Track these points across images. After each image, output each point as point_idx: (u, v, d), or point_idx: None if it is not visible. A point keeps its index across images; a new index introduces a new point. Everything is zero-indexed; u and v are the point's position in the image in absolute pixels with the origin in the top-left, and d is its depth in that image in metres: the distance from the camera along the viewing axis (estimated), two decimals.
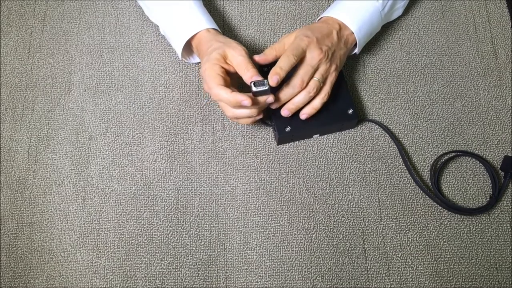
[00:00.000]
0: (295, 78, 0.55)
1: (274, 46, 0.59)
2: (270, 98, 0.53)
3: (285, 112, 0.56)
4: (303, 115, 0.57)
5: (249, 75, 0.51)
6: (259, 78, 0.51)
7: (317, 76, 0.55)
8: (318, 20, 0.61)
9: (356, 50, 0.61)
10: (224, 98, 0.51)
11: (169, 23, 0.61)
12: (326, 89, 0.57)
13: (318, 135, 0.62)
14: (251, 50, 0.67)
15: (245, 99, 0.50)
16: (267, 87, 0.51)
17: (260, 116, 0.55)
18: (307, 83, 0.55)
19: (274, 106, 0.56)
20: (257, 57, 0.58)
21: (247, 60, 0.52)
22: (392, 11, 0.63)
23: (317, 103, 0.57)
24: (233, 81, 0.55)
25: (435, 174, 0.60)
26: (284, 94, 0.55)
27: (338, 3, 0.61)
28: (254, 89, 0.51)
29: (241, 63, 0.52)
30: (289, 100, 0.56)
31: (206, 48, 0.56)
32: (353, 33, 0.58)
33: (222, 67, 0.53)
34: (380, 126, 0.62)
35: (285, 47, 0.57)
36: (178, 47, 0.59)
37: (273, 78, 0.52)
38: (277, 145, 0.61)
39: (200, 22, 0.58)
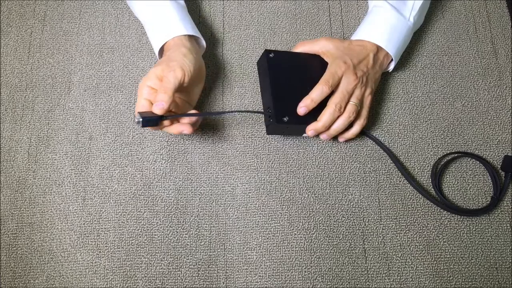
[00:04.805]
0: (332, 104, 0.55)
1: (305, 43, 0.60)
2: (186, 130, 0.52)
3: (323, 136, 0.58)
4: (342, 138, 0.59)
5: (158, 98, 0.51)
6: (160, 105, 0.50)
7: (354, 100, 0.56)
8: (354, 39, 0.60)
9: (390, 68, 0.62)
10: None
11: (146, 30, 0.62)
12: (364, 113, 0.58)
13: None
14: (251, 50, 0.67)
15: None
16: (139, 121, 0.50)
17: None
18: (345, 108, 0.56)
19: (311, 134, 0.56)
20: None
21: (167, 86, 0.51)
22: (417, 26, 0.65)
23: (356, 129, 0.58)
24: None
25: (436, 178, 0.60)
26: (324, 121, 0.55)
27: (372, 22, 0.61)
28: (137, 119, 0.50)
29: (161, 87, 0.51)
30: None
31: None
32: (389, 54, 0.59)
33: (153, 88, 0.52)
34: (371, 139, 0.62)
35: (315, 48, 0.59)
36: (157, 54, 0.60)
37: (301, 109, 0.55)
38: (267, 133, 0.59)
39: (167, 31, 0.58)
